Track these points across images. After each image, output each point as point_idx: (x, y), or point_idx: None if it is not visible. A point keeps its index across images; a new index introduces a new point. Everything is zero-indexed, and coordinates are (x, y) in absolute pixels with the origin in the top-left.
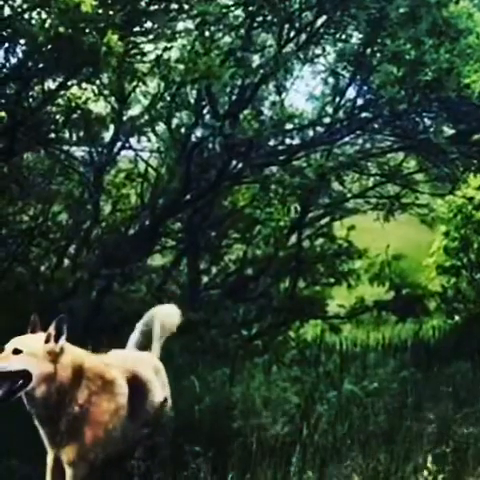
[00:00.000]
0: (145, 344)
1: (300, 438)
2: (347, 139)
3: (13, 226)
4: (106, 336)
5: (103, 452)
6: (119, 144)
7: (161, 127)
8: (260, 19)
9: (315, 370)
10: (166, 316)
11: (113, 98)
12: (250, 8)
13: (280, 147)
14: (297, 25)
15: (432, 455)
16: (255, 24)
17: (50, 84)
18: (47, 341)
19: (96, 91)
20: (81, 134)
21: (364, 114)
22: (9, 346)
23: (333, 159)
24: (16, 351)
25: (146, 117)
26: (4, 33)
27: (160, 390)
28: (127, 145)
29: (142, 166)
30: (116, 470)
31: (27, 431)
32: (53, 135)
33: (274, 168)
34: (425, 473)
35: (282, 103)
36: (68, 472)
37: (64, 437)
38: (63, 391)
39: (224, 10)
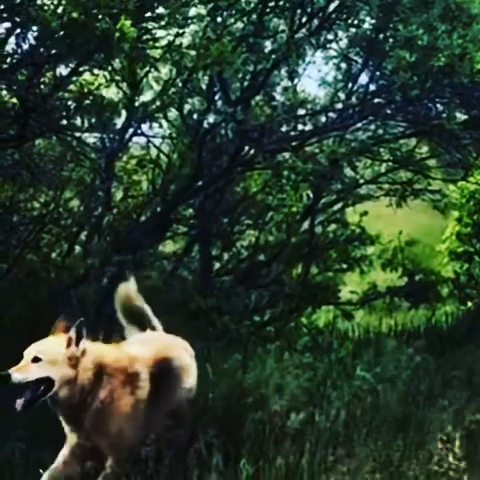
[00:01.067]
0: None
1: (313, 425)
2: (359, 125)
3: (24, 213)
4: (118, 323)
5: (128, 443)
6: (131, 130)
7: (173, 113)
8: (272, 4)
9: (327, 357)
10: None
11: (125, 84)
12: None
13: (292, 133)
14: (309, 10)
15: (445, 441)
16: (267, 10)
17: (62, 70)
18: (68, 345)
19: (108, 77)
20: (93, 120)
21: (376, 100)
22: (28, 353)
23: (345, 145)
24: (36, 359)
25: (158, 103)
26: (16, 19)
27: (192, 376)
28: (139, 131)
29: (154, 152)
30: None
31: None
32: (65, 121)
33: (286, 154)
34: (438, 459)
35: (294, 89)
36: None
37: (89, 432)
38: (85, 392)
39: None
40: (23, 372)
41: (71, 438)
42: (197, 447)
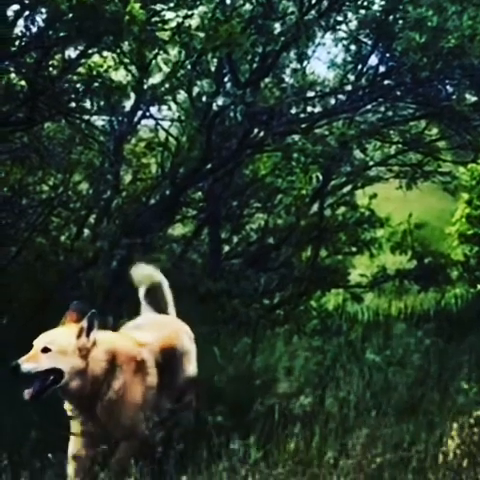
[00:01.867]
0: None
1: (322, 408)
2: (369, 107)
3: (33, 196)
4: (126, 306)
5: (141, 429)
6: (140, 113)
7: (182, 96)
8: None
9: (337, 340)
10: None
11: (134, 66)
12: None
13: (302, 115)
14: None
15: (456, 425)
16: None
17: (71, 53)
18: (79, 336)
19: (117, 59)
20: (102, 103)
21: (386, 81)
22: (38, 343)
23: (355, 127)
24: (45, 349)
25: (167, 85)
26: (25, 1)
27: (193, 361)
28: (148, 114)
29: (163, 135)
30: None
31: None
32: (73, 104)
33: (296, 136)
34: (449, 442)
35: (304, 71)
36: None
37: (103, 421)
38: (98, 383)
39: None
40: (32, 362)
41: (80, 426)
42: (206, 431)
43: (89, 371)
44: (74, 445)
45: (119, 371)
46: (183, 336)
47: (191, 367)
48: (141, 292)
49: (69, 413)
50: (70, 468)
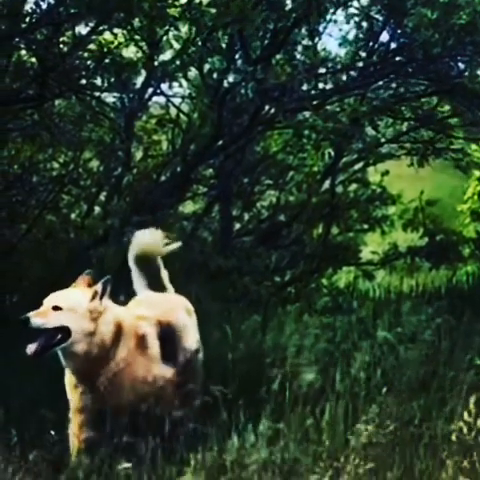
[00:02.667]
0: (154, 284)
1: (333, 386)
2: (381, 83)
3: (43, 173)
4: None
5: (141, 404)
6: (150, 90)
7: (193, 72)
8: None
9: (348, 317)
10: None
11: (144, 43)
12: None
13: (313, 92)
14: None
15: (467, 402)
16: None
17: (81, 29)
18: (92, 299)
19: (127, 36)
20: (112, 80)
21: (398, 58)
22: (49, 301)
23: (367, 104)
24: (56, 308)
25: (178, 62)
26: None
27: (192, 335)
28: (158, 91)
29: (174, 112)
30: (148, 416)
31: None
32: (84, 81)
33: (307, 113)
34: (465, 416)
35: (315, 47)
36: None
37: (103, 394)
38: (104, 349)
39: None
40: (42, 318)
41: (79, 402)
42: (216, 408)
43: (97, 335)
44: (74, 422)
45: (123, 342)
46: (180, 311)
47: (191, 341)
48: (133, 266)
49: (68, 389)
50: (72, 446)
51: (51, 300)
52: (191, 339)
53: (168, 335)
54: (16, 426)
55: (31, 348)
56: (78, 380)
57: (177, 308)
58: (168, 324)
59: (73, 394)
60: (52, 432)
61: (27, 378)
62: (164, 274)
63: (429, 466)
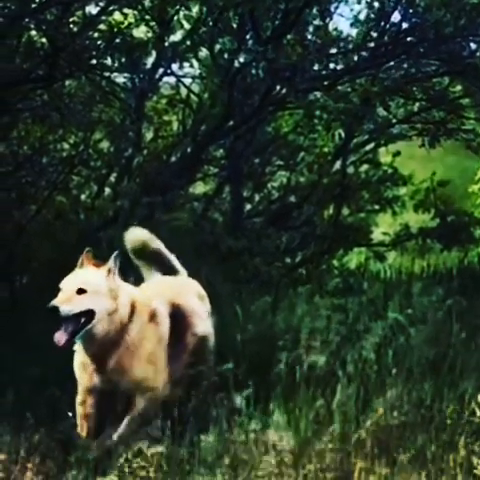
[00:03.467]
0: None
1: (344, 367)
2: (392, 63)
3: (53, 154)
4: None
5: (153, 384)
6: (161, 70)
7: (203, 52)
8: None
9: (359, 299)
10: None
11: (155, 23)
12: None
13: (324, 72)
14: None
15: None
16: None
17: (92, 9)
18: (108, 277)
19: (138, 16)
20: (123, 60)
21: (409, 38)
22: (71, 285)
23: (378, 84)
24: (81, 291)
25: (188, 42)
26: None
27: (204, 319)
28: (169, 71)
29: (184, 92)
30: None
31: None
32: (94, 61)
33: (318, 93)
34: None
35: (326, 27)
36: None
37: (113, 372)
38: (121, 326)
39: None
40: (70, 304)
41: (88, 384)
42: (226, 390)
43: (117, 313)
44: (83, 404)
45: (136, 318)
46: (191, 295)
47: (201, 326)
48: (133, 258)
49: (77, 369)
50: (80, 427)
51: (72, 283)
52: (202, 324)
53: (178, 317)
54: (25, 407)
55: (60, 338)
56: (91, 360)
57: (188, 292)
58: (178, 307)
59: (82, 375)
60: (68, 413)
61: (37, 359)
62: (171, 258)
63: (440, 448)
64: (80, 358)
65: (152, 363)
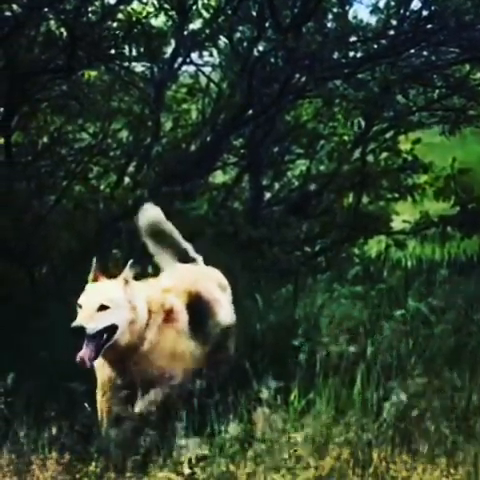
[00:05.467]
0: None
1: (364, 356)
2: (412, 51)
3: (72, 144)
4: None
5: (176, 377)
6: (180, 59)
7: (223, 41)
8: None
9: (379, 287)
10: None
11: (174, 12)
12: None
13: (344, 60)
14: None
15: None
16: None
17: None
18: (125, 288)
19: (157, 5)
20: (141, 49)
21: (429, 25)
22: (91, 301)
23: (397, 72)
24: (103, 307)
25: (207, 31)
26: None
27: (226, 309)
28: (188, 60)
29: (203, 81)
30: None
31: None
32: (113, 51)
33: (338, 81)
34: None
35: (346, 15)
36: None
37: (135, 373)
38: (140, 333)
39: None
40: (94, 321)
41: (107, 380)
42: (247, 379)
43: (137, 322)
44: (102, 397)
45: (152, 321)
46: (211, 283)
47: (224, 315)
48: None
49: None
50: (100, 418)
51: (92, 300)
52: (224, 313)
53: (198, 307)
54: (45, 399)
55: (85, 356)
56: (110, 365)
57: (208, 280)
58: (197, 295)
59: (101, 371)
60: (86, 404)
61: (57, 350)
62: (186, 244)
63: (460, 438)
64: (99, 359)
65: (171, 357)
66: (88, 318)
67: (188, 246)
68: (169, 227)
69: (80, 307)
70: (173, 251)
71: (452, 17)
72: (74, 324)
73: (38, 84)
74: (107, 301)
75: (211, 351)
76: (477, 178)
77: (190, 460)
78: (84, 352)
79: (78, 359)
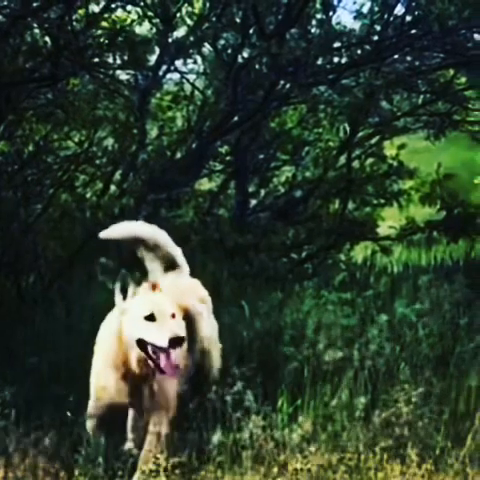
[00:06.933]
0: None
1: (351, 362)
2: (396, 57)
3: (58, 152)
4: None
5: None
6: (164, 67)
7: (207, 49)
8: None
9: (366, 293)
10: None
11: (158, 20)
12: None
13: (328, 66)
14: None
15: None
16: None
17: (94, 7)
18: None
19: (141, 13)
20: (126, 57)
21: (413, 31)
22: (166, 312)
23: (382, 77)
24: (173, 316)
25: (192, 38)
26: None
27: (207, 320)
28: (173, 67)
29: (188, 88)
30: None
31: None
32: (97, 59)
33: (322, 87)
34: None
35: (329, 21)
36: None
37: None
38: None
39: None
40: (183, 331)
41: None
42: (234, 387)
43: None
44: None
45: None
46: (193, 296)
47: (207, 328)
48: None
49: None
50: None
51: (165, 309)
52: (207, 326)
53: (187, 321)
54: (32, 406)
55: (174, 369)
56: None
57: (192, 294)
58: (186, 309)
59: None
60: (72, 414)
61: (44, 357)
62: (175, 251)
63: (449, 443)
64: (105, 377)
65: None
66: (180, 328)
67: (180, 257)
68: (163, 238)
69: (151, 318)
70: (162, 258)
71: (436, 22)
72: (173, 335)
73: (23, 93)
74: (175, 310)
75: (198, 364)
76: (462, 183)
77: (166, 468)
78: (168, 365)
79: (170, 371)
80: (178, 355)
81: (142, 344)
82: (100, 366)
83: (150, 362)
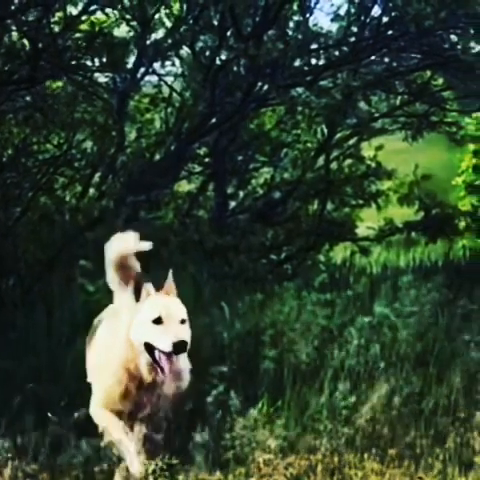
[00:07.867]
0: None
1: (332, 363)
2: (373, 58)
3: (37, 155)
4: None
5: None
6: (142, 69)
7: (185, 51)
8: None
9: (345, 293)
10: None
11: (136, 22)
12: None
13: (306, 68)
14: None
15: (464, 377)
16: None
17: (72, 10)
18: None
19: (118, 16)
20: (104, 60)
21: (390, 32)
22: (175, 316)
23: (359, 78)
24: (183, 321)
25: (169, 41)
26: None
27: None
28: (151, 70)
29: (166, 91)
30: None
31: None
32: (76, 62)
33: (300, 89)
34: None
35: (307, 23)
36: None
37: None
38: None
39: None
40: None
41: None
42: (214, 387)
43: None
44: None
45: None
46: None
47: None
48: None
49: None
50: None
51: (175, 314)
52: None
53: None
54: (13, 409)
55: (175, 377)
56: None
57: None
58: None
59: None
60: (51, 416)
61: (24, 360)
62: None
63: (429, 441)
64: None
65: None
66: (187, 333)
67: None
68: (134, 263)
69: (158, 321)
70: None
71: (412, 23)
72: (178, 339)
73: (2, 96)
74: (185, 315)
75: None
76: (440, 184)
77: (154, 471)
78: (170, 368)
79: (172, 376)
80: (183, 360)
81: (150, 348)
82: (108, 368)
83: (156, 366)
